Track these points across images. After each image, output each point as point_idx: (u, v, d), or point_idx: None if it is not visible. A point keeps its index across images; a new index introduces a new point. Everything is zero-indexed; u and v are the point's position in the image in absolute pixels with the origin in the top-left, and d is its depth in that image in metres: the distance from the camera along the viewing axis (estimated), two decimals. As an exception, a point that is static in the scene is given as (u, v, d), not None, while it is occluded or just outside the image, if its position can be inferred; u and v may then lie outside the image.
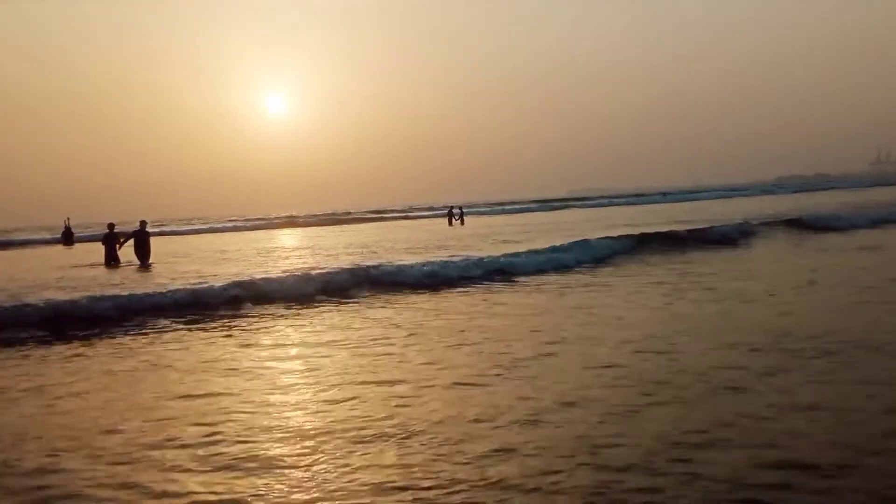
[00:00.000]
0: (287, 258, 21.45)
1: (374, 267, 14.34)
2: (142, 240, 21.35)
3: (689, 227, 22.10)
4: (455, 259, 15.79)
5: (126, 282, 15.57)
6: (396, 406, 5.68)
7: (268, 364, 7.60)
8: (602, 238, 18.83)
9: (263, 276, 13.85)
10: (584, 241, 18.09)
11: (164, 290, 12.21)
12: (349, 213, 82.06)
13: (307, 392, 6.32)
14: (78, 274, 18.69)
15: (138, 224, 21.86)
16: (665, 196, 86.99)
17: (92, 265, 22.29)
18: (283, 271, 14.71)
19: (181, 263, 21.31)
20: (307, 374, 7.04)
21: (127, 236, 21.84)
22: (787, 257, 16.57)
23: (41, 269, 22.14)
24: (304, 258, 20.52)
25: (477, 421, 5.19)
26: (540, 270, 14.86)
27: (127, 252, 22.42)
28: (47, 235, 47.60)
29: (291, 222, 64.78)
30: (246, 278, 13.33)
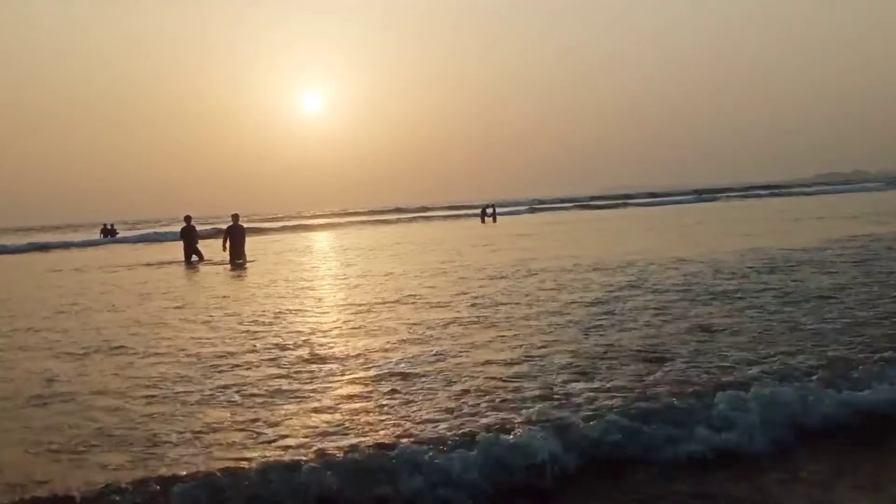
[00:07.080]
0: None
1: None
2: (235, 236, 19.92)
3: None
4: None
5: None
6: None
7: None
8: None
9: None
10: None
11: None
12: (398, 209, 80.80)
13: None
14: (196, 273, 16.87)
15: (231, 219, 20.37)
16: (700, 195, 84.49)
17: (170, 262, 20.97)
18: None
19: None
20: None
21: (224, 234, 20.32)
22: None
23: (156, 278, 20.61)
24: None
25: None
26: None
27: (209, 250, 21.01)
28: (96, 236, 47.09)
29: (336, 222, 62.80)
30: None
